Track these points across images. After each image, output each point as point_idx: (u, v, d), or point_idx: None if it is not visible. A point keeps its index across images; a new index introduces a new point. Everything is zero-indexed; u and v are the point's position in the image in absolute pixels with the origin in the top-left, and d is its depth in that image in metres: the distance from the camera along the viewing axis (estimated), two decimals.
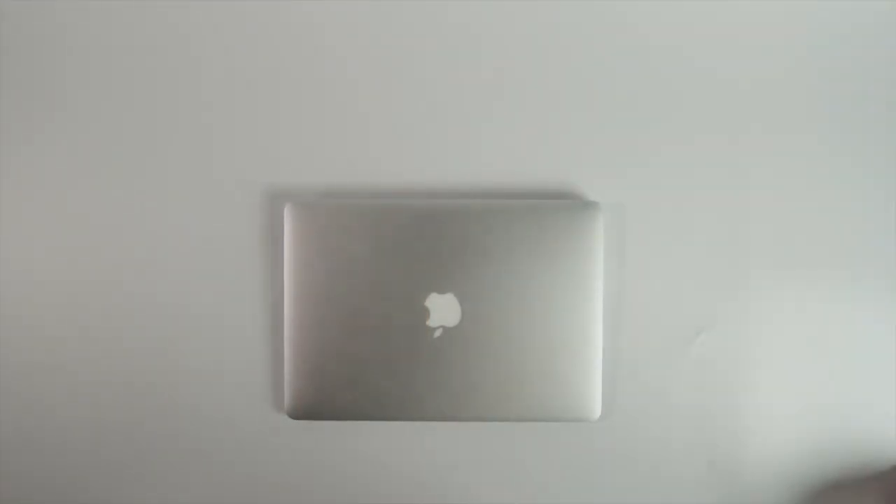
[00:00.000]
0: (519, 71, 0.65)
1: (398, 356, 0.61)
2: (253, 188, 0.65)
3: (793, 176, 0.66)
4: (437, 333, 0.61)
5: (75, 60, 0.64)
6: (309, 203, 0.62)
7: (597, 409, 0.62)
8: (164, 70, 0.65)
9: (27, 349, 0.65)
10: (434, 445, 0.66)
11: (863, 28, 0.65)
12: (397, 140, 0.65)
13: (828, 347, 0.66)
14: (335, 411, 0.62)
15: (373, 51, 0.65)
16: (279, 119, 0.65)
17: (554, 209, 0.62)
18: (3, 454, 0.66)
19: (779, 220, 0.65)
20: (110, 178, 0.65)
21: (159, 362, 0.65)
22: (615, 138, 0.65)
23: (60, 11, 0.64)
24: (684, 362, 0.65)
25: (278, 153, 0.65)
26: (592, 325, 0.61)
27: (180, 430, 0.66)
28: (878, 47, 0.65)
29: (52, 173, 0.65)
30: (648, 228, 0.65)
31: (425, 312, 0.61)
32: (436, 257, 0.61)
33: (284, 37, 0.65)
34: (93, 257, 0.65)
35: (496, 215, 0.61)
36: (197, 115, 0.65)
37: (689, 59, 0.65)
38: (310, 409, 0.62)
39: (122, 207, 0.65)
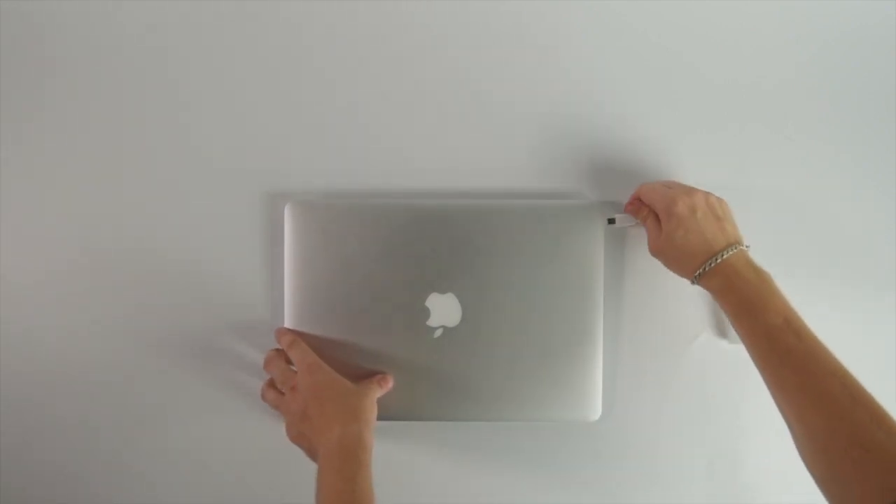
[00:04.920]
0: (519, 72, 0.65)
1: (398, 356, 0.61)
2: (253, 188, 0.65)
3: (794, 176, 0.66)
4: (438, 333, 0.61)
5: (77, 62, 0.64)
6: (309, 203, 0.62)
7: (597, 410, 0.62)
8: (166, 71, 0.64)
9: (24, 356, 0.65)
10: (434, 445, 0.66)
11: (867, 30, 0.65)
12: (398, 140, 0.65)
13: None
14: None
15: (374, 52, 0.65)
16: (280, 120, 0.65)
17: (554, 209, 0.62)
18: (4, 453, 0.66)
19: (779, 221, 0.65)
20: (111, 178, 0.64)
21: (160, 363, 0.65)
22: (615, 138, 0.65)
23: (62, 12, 0.64)
24: (684, 362, 0.65)
25: (279, 153, 0.65)
26: (593, 325, 0.61)
27: (181, 429, 0.66)
28: (882, 49, 0.65)
29: (55, 173, 0.64)
30: None
31: (425, 312, 0.61)
32: (436, 257, 0.61)
33: (286, 38, 0.64)
34: (92, 257, 0.64)
35: (496, 215, 0.61)
36: (197, 116, 0.65)
37: (689, 61, 0.65)
38: None
39: (123, 208, 0.65)
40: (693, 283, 0.57)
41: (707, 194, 0.57)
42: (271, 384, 0.60)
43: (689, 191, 0.57)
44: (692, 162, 0.65)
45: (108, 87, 0.64)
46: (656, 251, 0.59)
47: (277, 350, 0.61)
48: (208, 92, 0.65)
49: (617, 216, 0.61)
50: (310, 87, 0.65)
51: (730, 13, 0.65)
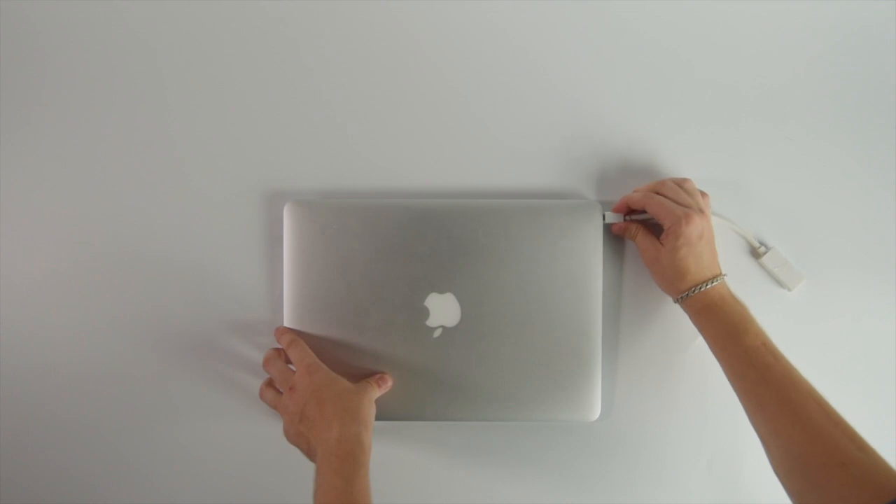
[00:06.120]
0: (518, 72, 0.65)
1: (398, 356, 0.61)
2: (253, 188, 0.65)
3: (794, 176, 0.66)
4: (437, 333, 0.61)
5: (76, 62, 0.64)
6: (309, 203, 0.62)
7: (597, 410, 0.62)
8: (166, 71, 0.65)
9: (26, 353, 0.65)
10: (433, 445, 0.66)
11: (867, 30, 0.65)
12: (397, 140, 0.65)
13: (827, 347, 0.66)
14: None
15: (374, 52, 0.65)
16: (279, 120, 0.65)
17: (554, 209, 0.62)
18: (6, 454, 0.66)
19: (778, 220, 0.65)
20: (111, 178, 0.65)
21: (160, 362, 0.65)
22: (614, 138, 0.65)
23: (62, 13, 0.64)
24: (684, 362, 0.65)
25: (278, 153, 0.65)
26: (592, 324, 0.61)
27: (181, 429, 0.66)
28: (882, 49, 0.65)
29: (55, 173, 0.65)
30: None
31: (425, 312, 0.61)
32: (436, 257, 0.61)
33: (285, 38, 0.65)
34: (92, 257, 0.65)
35: (496, 215, 0.61)
36: (198, 116, 0.65)
37: (688, 61, 0.65)
38: None
39: (122, 207, 0.65)
40: (675, 301, 0.59)
41: (708, 219, 0.58)
42: (270, 384, 0.60)
43: (701, 212, 0.57)
44: (691, 162, 0.65)
45: (108, 87, 0.64)
46: (653, 263, 0.60)
47: (277, 349, 0.61)
48: (208, 92, 0.65)
49: (606, 213, 0.62)
50: (309, 86, 0.65)
51: (730, 13, 0.65)
